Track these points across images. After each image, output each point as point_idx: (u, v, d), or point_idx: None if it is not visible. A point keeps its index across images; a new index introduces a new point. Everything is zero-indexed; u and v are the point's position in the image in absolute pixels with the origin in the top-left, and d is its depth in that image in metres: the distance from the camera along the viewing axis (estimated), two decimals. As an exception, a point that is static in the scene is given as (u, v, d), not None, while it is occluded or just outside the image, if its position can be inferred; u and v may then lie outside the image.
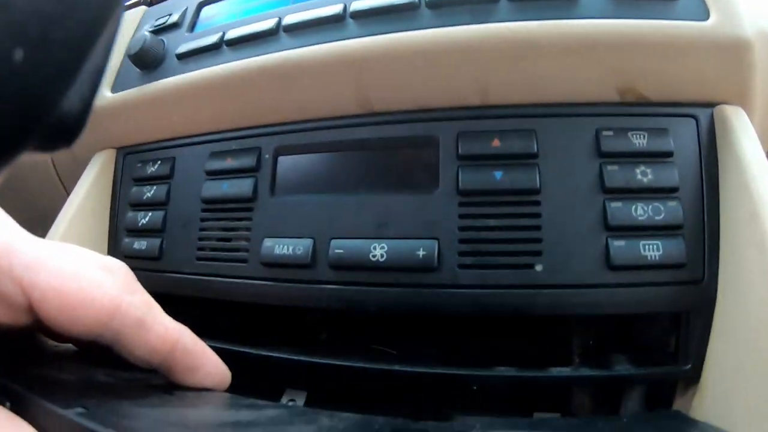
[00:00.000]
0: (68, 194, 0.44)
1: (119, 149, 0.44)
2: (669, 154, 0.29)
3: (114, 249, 0.41)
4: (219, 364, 0.27)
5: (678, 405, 0.31)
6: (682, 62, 0.29)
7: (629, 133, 0.30)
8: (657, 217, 0.28)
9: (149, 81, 0.40)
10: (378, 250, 0.30)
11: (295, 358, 0.32)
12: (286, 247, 0.32)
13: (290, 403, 0.34)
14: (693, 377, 0.29)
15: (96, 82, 0.14)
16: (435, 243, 0.29)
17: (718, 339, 0.28)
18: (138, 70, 0.41)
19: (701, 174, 0.29)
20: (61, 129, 0.13)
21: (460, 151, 0.31)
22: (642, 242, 0.28)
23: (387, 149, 0.32)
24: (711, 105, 0.30)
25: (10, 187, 0.59)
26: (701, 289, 0.28)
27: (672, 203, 0.29)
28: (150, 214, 0.39)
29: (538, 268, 0.29)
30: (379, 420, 0.24)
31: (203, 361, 0.26)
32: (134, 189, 0.41)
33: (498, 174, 0.30)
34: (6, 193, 0.60)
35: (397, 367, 0.30)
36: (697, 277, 0.28)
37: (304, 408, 0.32)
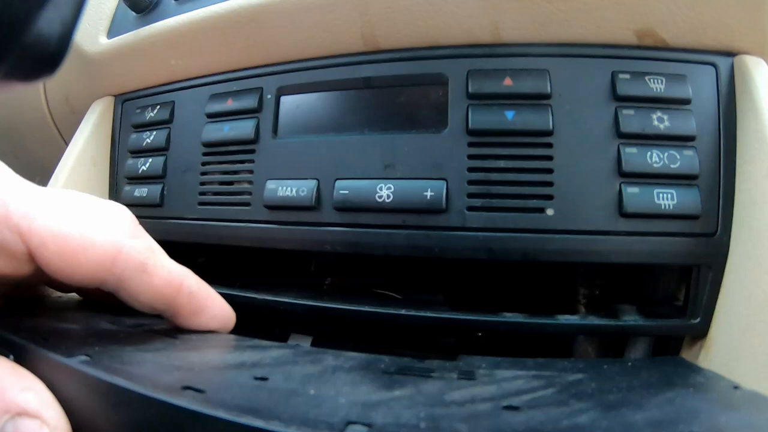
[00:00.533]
0: (67, 145, 0.43)
1: (117, 96, 0.43)
2: (687, 101, 0.28)
3: (115, 197, 0.40)
4: (223, 306, 0.27)
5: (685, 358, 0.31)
6: (704, 7, 0.28)
7: (646, 78, 0.29)
8: (672, 166, 0.28)
9: (145, 24, 0.38)
10: (384, 191, 0.29)
11: (300, 302, 0.32)
12: (289, 189, 0.31)
13: (295, 346, 0.34)
14: (701, 331, 0.28)
15: (78, 5, 0.13)
16: (443, 184, 0.29)
17: (728, 294, 0.27)
18: (134, 13, 0.40)
19: (719, 124, 0.28)
20: (41, 54, 0.12)
21: (470, 89, 0.29)
22: (656, 190, 0.28)
23: (394, 88, 0.31)
24: (731, 54, 0.29)
25: (8, 140, 0.58)
26: (714, 242, 0.28)
27: (688, 152, 0.28)
28: (150, 160, 0.38)
29: (549, 212, 0.28)
30: (385, 359, 0.23)
31: (208, 302, 0.26)
32: (133, 136, 0.40)
33: (510, 114, 0.29)
34: (4, 147, 0.59)
35: (403, 312, 0.30)
36: (710, 230, 0.28)
37: (310, 348, 0.32)
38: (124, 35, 0.39)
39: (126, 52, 0.40)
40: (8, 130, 0.57)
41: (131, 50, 0.39)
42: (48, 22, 0.12)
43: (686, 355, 0.30)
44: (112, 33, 0.41)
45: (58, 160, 0.42)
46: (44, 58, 0.13)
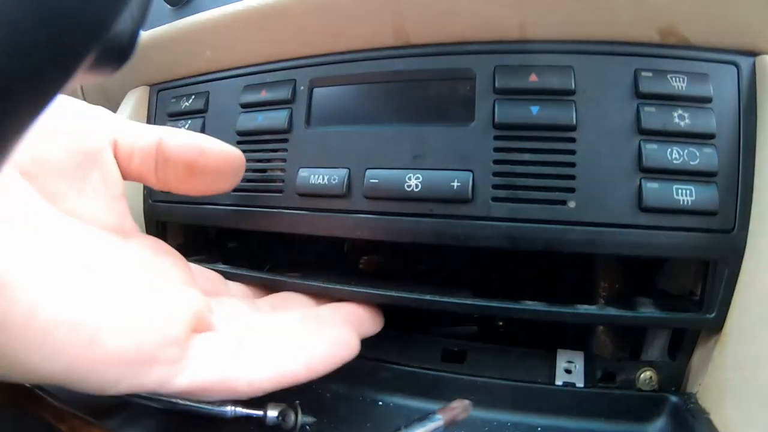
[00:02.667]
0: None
1: (152, 86, 0.45)
2: (708, 100, 0.29)
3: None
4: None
5: (699, 353, 0.31)
6: (726, 7, 0.28)
7: (668, 76, 0.29)
8: (692, 162, 0.28)
9: (180, 17, 0.40)
10: (413, 180, 0.30)
11: (329, 286, 0.33)
12: (321, 177, 0.32)
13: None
14: (716, 326, 0.29)
15: (146, 5, 0.14)
16: (470, 175, 0.30)
17: (744, 290, 0.28)
18: (169, 6, 0.41)
19: (739, 123, 0.29)
20: (117, 48, 0.14)
21: (496, 84, 0.30)
22: (675, 186, 0.28)
23: (423, 82, 0.32)
24: (753, 54, 0.29)
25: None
26: (731, 238, 0.28)
27: (708, 150, 0.28)
28: (185, 148, 0.39)
29: (571, 204, 0.29)
30: None
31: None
32: (168, 124, 0.41)
33: (534, 109, 0.30)
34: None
35: (428, 297, 0.31)
36: (727, 227, 0.28)
37: None
38: (160, 27, 0.41)
39: (161, 44, 0.41)
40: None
41: (167, 42, 0.41)
42: (123, 20, 0.13)
43: (702, 350, 0.31)
44: (147, 25, 0.42)
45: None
46: (119, 51, 0.14)
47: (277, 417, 0.26)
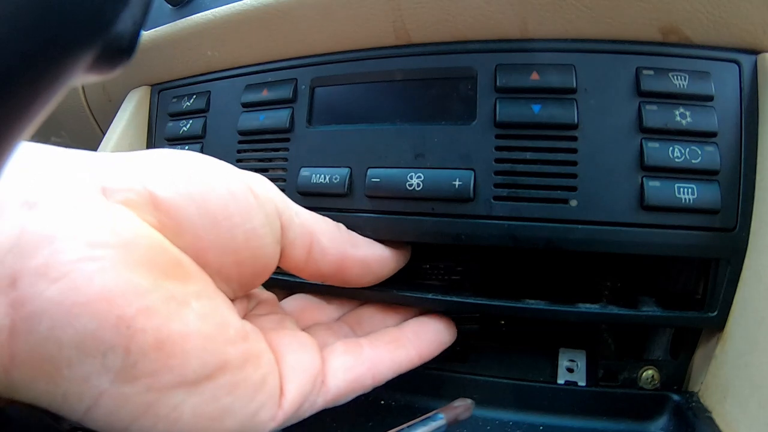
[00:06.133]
0: (103, 133, 0.45)
1: (153, 86, 0.45)
2: (709, 98, 0.29)
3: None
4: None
5: (701, 352, 0.31)
6: (728, 6, 0.28)
7: (670, 74, 0.29)
8: (694, 161, 0.28)
9: (181, 17, 0.40)
10: (415, 179, 0.30)
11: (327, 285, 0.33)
12: (322, 176, 0.32)
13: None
14: (718, 325, 0.29)
15: (147, 6, 0.14)
16: (471, 174, 0.30)
17: (746, 289, 0.28)
18: (169, 6, 0.41)
19: (741, 121, 0.29)
20: (117, 48, 0.14)
21: (498, 83, 0.30)
22: (677, 184, 0.28)
23: (424, 80, 0.32)
24: (755, 52, 0.29)
25: (45, 129, 0.60)
26: (733, 237, 0.28)
27: (709, 148, 0.28)
28: (187, 148, 0.39)
29: (573, 203, 0.29)
30: None
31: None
32: (170, 124, 0.41)
33: (536, 107, 0.30)
34: (41, 135, 0.61)
35: (430, 296, 0.31)
36: (729, 225, 0.28)
37: None
38: (161, 27, 0.41)
39: (162, 44, 0.41)
40: (46, 118, 0.58)
41: (168, 42, 0.41)
42: (124, 21, 0.13)
43: (703, 349, 0.31)
44: (148, 25, 0.42)
45: (95, 149, 0.44)
46: (120, 51, 0.14)
47: None
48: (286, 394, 0.23)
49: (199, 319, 0.20)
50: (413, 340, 0.30)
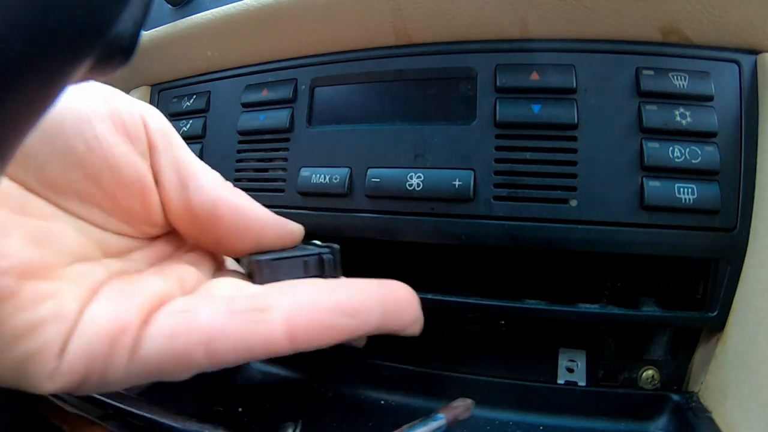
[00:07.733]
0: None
1: (153, 86, 0.45)
2: (709, 98, 0.29)
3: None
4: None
5: (701, 352, 0.31)
6: (728, 6, 0.28)
7: (670, 74, 0.29)
8: (694, 161, 0.28)
9: (182, 17, 0.40)
10: (414, 179, 0.30)
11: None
12: (322, 176, 0.32)
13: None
14: (718, 325, 0.29)
15: (147, 6, 0.14)
16: (471, 174, 0.30)
17: (745, 289, 0.28)
18: (169, 6, 0.41)
19: (741, 122, 0.29)
20: (117, 49, 0.14)
21: (498, 83, 0.30)
22: (677, 184, 0.28)
23: (424, 80, 0.32)
24: (755, 52, 0.29)
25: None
26: (733, 237, 0.28)
27: (709, 148, 0.28)
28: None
29: (573, 203, 0.29)
30: None
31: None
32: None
33: (536, 107, 0.30)
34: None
35: (429, 296, 0.31)
36: (729, 225, 0.28)
37: None
38: (161, 27, 0.41)
39: (163, 44, 0.41)
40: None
41: (168, 42, 0.41)
42: (124, 21, 0.13)
43: (703, 349, 0.31)
44: (148, 25, 0.42)
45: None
46: (120, 52, 0.14)
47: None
48: (68, 351, 0.19)
49: None
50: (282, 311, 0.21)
